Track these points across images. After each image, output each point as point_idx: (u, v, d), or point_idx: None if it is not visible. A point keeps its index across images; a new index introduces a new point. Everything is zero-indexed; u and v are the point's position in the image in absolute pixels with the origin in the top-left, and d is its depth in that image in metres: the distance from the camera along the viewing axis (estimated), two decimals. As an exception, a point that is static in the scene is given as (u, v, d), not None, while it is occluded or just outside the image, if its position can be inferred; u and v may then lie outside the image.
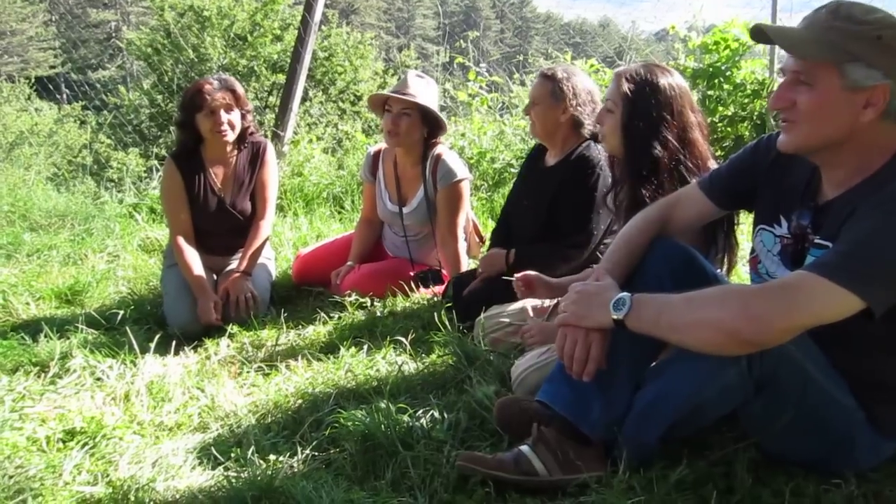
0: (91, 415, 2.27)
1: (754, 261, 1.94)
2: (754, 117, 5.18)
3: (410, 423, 2.08)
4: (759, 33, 1.68)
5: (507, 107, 7.04)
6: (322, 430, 2.16)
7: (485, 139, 6.05)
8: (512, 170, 5.51)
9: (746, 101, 5.22)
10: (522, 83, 7.83)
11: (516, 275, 2.61)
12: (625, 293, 1.69)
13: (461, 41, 7.66)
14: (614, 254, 1.90)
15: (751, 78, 5.24)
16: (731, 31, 5.18)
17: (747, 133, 5.16)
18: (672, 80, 2.30)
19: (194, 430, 2.30)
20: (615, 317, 1.67)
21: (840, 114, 1.59)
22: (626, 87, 2.31)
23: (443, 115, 3.53)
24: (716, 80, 5.22)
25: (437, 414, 2.14)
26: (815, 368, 1.67)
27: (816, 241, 1.71)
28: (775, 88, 1.67)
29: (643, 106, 2.28)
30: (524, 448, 1.82)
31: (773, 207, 1.85)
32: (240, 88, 3.45)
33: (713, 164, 2.31)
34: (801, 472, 1.80)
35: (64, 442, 2.17)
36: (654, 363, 1.87)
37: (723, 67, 5.19)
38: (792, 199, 1.80)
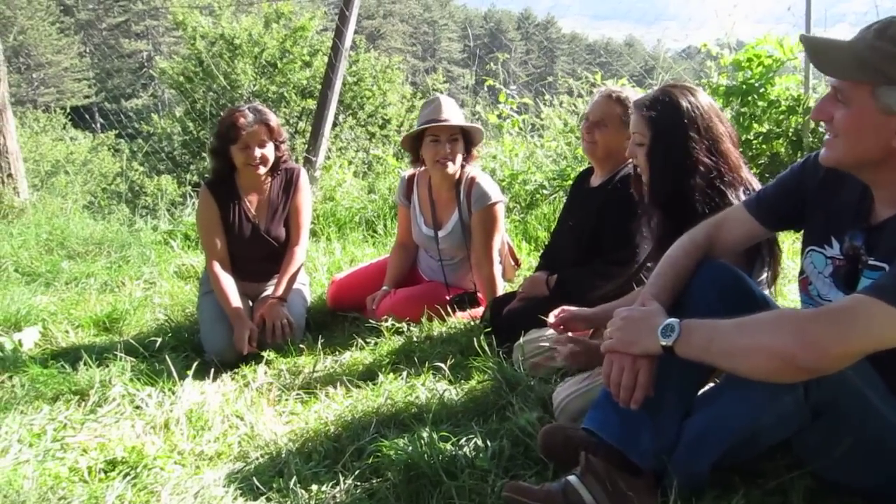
0: (132, 444, 2.27)
1: (804, 282, 1.88)
2: (790, 134, 5.10)
3: (453, 452, 2.05)
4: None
5: (537, 128, 7.01)
6: (364, 458, 2.13)
7: (516, 161, 6.04)
8: (544, 191, 5.48)
9: (781, 117, 5.14)
10: (551, 104, 7.81)
11: (551, 315, 2.59)
12: (673, 319, 1.65)
13: (490, 63, 7.67)
14: (660, 278, 1.85)
15: (785, 94, 5.16)
16: (764, 47, 5.12)
17: (783, 150, 5.09)
18: (693, 98, 2.26)
19: (235, 460, 2.29)
20: (664, 343, 1.63)
21: (872, 136, 1.55)
22: (647, 114, 2.28)
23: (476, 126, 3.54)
24: (749, 98, 5.16)
25: (479, 442, 2.11)
26: (875, 395, 1.61)
27: (871, 262, 1.66)
28: (817, 100, 1.64)
29: (668, 131, 2.25)
30: (572, 478, 1.77)
31: (824, 228, 1.80)
32: (274, 120, 3.47)
33: (746, 173, 2.27)
34: (858, 502, 1.74)
35: (105, 472, 2.18)
36: (702, 390, 1.83)
37: (756, 84, 5.12)
38: (843, 220, 1.75)
